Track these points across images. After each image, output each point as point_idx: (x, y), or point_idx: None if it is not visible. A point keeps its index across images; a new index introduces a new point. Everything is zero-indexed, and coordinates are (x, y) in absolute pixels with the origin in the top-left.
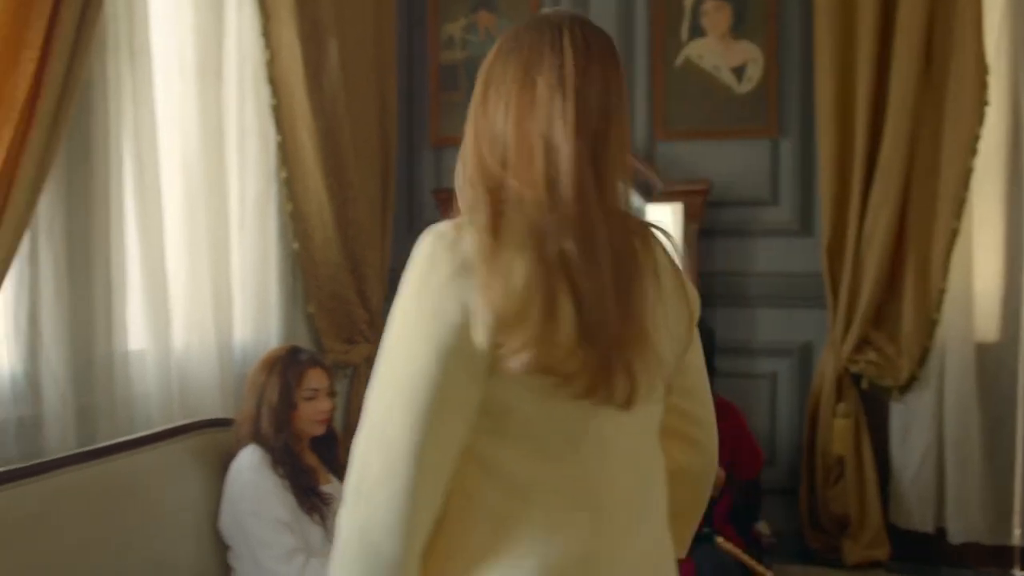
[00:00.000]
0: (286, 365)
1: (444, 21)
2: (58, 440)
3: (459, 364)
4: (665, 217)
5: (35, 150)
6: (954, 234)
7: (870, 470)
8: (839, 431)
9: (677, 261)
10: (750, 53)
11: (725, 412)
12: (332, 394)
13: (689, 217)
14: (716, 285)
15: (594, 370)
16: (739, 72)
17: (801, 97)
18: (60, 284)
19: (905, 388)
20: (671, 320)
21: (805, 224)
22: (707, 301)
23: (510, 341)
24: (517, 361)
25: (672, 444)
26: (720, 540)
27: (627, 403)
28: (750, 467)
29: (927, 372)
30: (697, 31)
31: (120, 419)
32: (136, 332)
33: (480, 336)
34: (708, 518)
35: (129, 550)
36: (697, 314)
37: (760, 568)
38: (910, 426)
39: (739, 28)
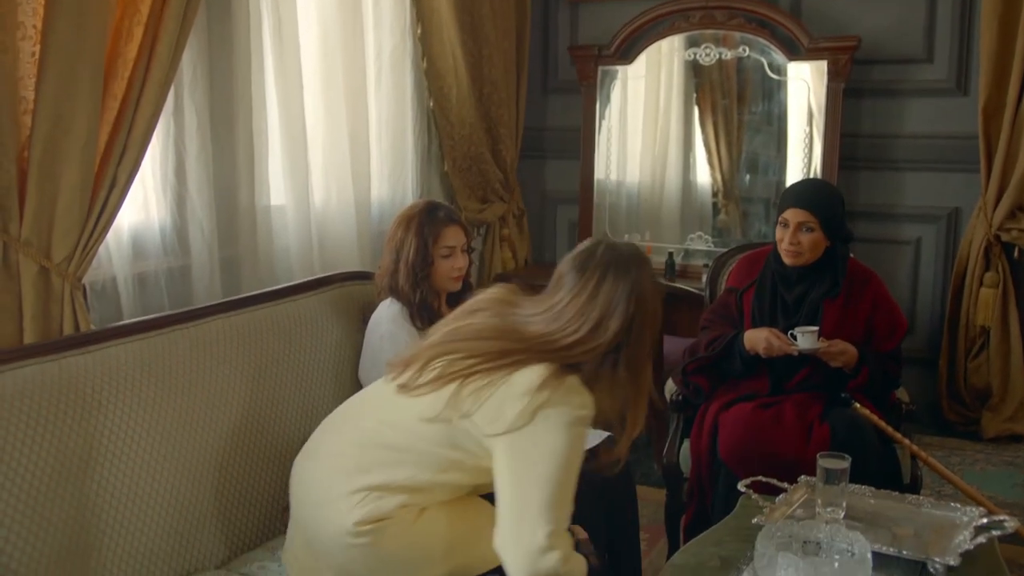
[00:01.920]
0: (423, 223)
1: None
2: (205, 289)
3: None
4: (808, 76)
5: (177, 5)
6: None
7: (1016, 342)
8: (984, 301)
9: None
10: None
11: (865, 279)
12: (469, 251)
13: (835, 75)
14: (861, 147)
15: None
16: None
17: None
18: (204, 139)
19: None
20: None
21: (961, 83)
22: (850, 164)
23: None
24: None
25: None
26: (857, 406)
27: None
28: (889, 337)
29: None
30: None
31: (262, 271)
32: (277, 187)
33: None
34: (843, 387)
35: (273, 394)
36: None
37: (897, 435)
38: None
39: None
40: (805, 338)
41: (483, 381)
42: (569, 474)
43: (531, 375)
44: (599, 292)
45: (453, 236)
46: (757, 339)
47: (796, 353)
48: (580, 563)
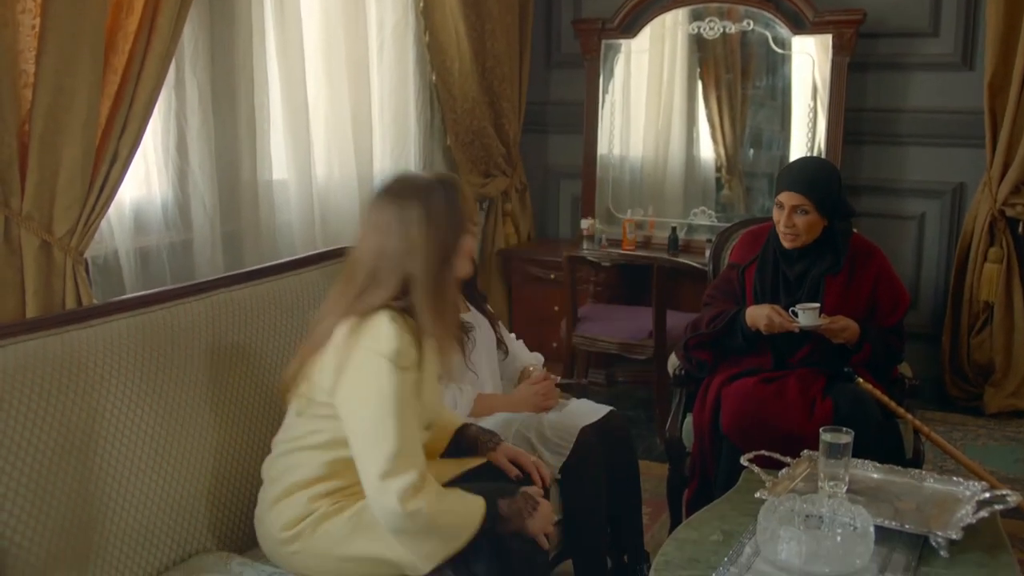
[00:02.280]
0: None
1: None
2: (207, 264)
3: None
4: (813, 50)
5: None
6: None
7: (1020, 317)
8: (988, 276)
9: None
10: None
11: (868, 254)
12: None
13: (839, 49)
14: (865, 122)
15: None
16: None
17: None
18: (205, 113)
19: None
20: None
21: (967, 57)
22: (854, 138)
23: None
24: None
25: None
26: (860, 381)
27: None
28: (892, 312)
29: None
30: None
31: (264, 245)
32: (279, 161)
33: None
34: (848, 363)
35: (275, 368)
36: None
37: (900, 410)
38: None
39: None
40: (806, 315)
41: (317, 361)
42: (391, 410)
43: (337, 333)
44: (380, 224)
45: None
46: (758, 316)
47: (797, 330)
48: (454, 502)
